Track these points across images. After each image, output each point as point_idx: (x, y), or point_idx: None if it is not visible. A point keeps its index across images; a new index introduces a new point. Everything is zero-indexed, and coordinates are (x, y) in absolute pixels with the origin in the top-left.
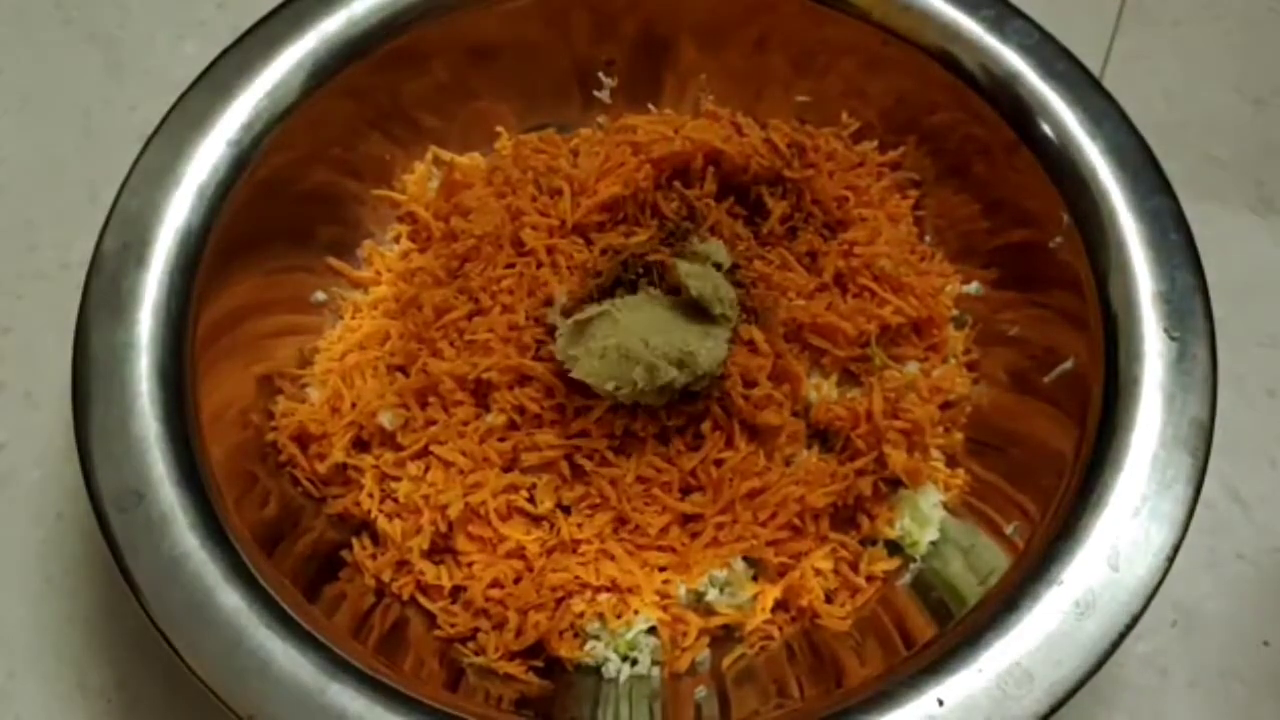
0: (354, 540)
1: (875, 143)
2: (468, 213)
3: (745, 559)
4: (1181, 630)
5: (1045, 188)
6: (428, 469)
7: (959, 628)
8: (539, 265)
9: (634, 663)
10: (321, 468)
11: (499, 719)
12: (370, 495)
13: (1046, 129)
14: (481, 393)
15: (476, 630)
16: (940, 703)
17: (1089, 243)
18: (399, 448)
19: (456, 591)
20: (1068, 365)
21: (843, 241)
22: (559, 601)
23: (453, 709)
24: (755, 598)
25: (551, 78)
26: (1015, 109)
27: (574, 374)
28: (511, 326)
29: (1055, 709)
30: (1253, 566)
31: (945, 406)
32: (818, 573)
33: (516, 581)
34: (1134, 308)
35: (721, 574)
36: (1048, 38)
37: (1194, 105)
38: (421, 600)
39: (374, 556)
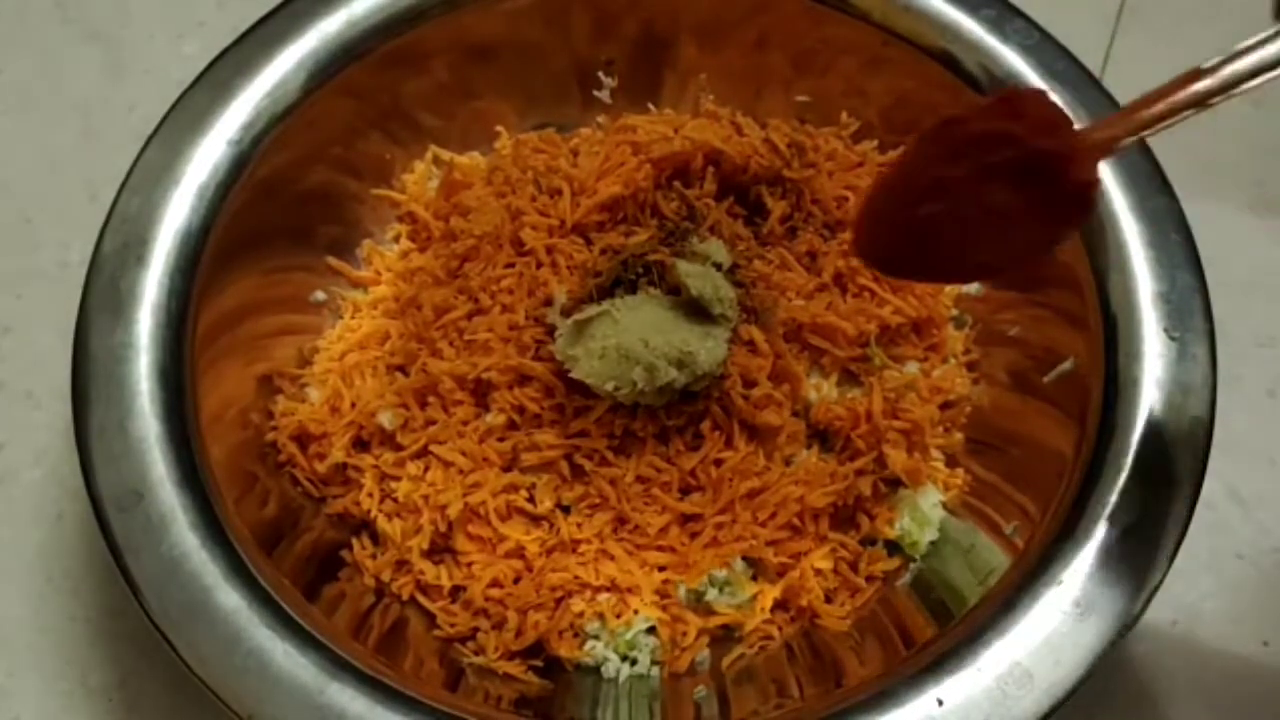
0: (354, 540)
1: (875, 143)
2: (468, 212)
3: (745, 559)
4: (1181, 630)
5: None
6: (427, 469)
7: (959, 628)
8: (539, 265)
9: (634, 662)
10: (321, 468)
11: (499, 719)
12: (370, 495)
13: None
14: (481, 393)
15: (476, 630)
16: (940, 703)
17: (1089, 243)
18: (399, 447)
19: (456, 591)
20: (1068, 365)
21: (842, 241)
22: (559, 601)
23: (453, 709)
24: (755, 598)
25: (551, 78)
26: None
27: (574, 374)
28: (511, 326)
29: (1055, 709)
30: (1253, 566)
31: (945, 406)
32: (817, 573)
33: (516, 581)
34: (1134, 308)
35: (721, 574)
36: (1048, 38)
37: None
38: (421, 600)
39: (374, 556)
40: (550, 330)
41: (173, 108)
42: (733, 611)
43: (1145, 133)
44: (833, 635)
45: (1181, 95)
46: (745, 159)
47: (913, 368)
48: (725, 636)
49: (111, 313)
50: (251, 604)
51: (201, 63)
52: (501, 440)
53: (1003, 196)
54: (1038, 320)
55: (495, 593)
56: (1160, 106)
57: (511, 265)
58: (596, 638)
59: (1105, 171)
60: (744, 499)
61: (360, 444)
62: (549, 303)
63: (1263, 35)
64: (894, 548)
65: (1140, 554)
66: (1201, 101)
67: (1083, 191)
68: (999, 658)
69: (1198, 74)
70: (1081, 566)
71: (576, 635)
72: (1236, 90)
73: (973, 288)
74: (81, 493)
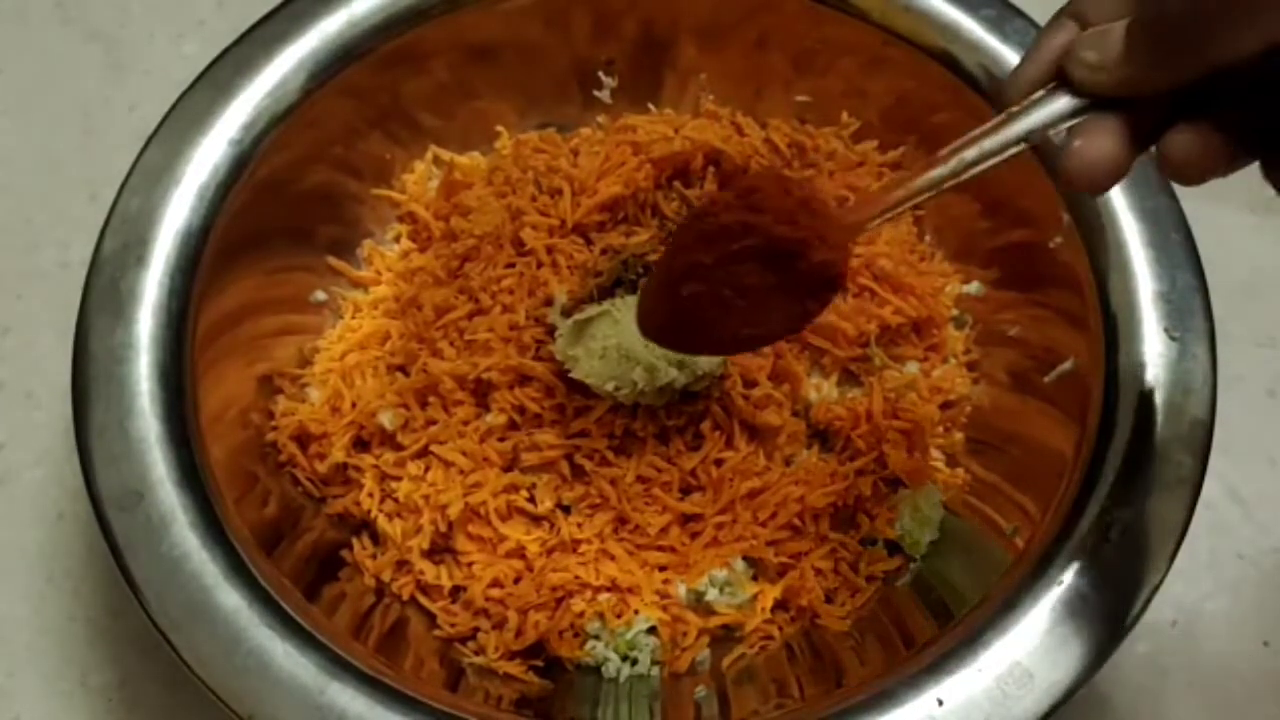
0: (354, 540)
1: (875, 143)
2: (468, 212)
3: (745, 559)
4: (1181, 630)
5: (1045, 188)
6: (428, 469)
7: (959, 628)
8: (539, 265)
9: (634, 662)
10: (321, 467)
11: (499, 719)
12: (370, 495)
13: None
14: (481, 393)
15: (476, 630)
16: (940, 703)
17: (1089, 243)
18: (399, 447)
19: (456, 591)
20: (1068, 365)
21: None
22: (559, 601)
23: (453, 709)
24: (755, 598)
25: (551, 78)
26: None
27: (574, 374)
28: (511, 326)
29: (1055, 709)
30: (1253, 566)
31: (945, 406)
32: (818, 572)
33: (516, 581)
34: (1134, 308)
35: (721, 574)
36: None
37: None
38: (421, 600)
39: (374, 556)
40: (550, 330)
41: (173, 108)
42: (733, 611)
43: (888, 215)
44: (833, 635)
45: (918, 182)
46: (745, 159)
47: (913, 368)
48: (725, 636)
49: (111, 313)
50: (251, 604)
51: (201, 63)
52: (502, 440)
53: (753, 278)
54: (1038, 320)
55: (496, 593)
56: (900, 192)
57: (512, 265)
58: (597, 638)
59: None
60: (744, 499)
61: (360, 444)
62: (549, 303)
63: (987, 126)
64: (894, 548)
65: (1140, 554)
66: (935, 187)
67: (826, 271)
68: (999, 658)
69: (934, 161)
70: (1081, 566)
71: (577, 635)
72: (964, 176)
73: (973, 287)
74: (81, 493)
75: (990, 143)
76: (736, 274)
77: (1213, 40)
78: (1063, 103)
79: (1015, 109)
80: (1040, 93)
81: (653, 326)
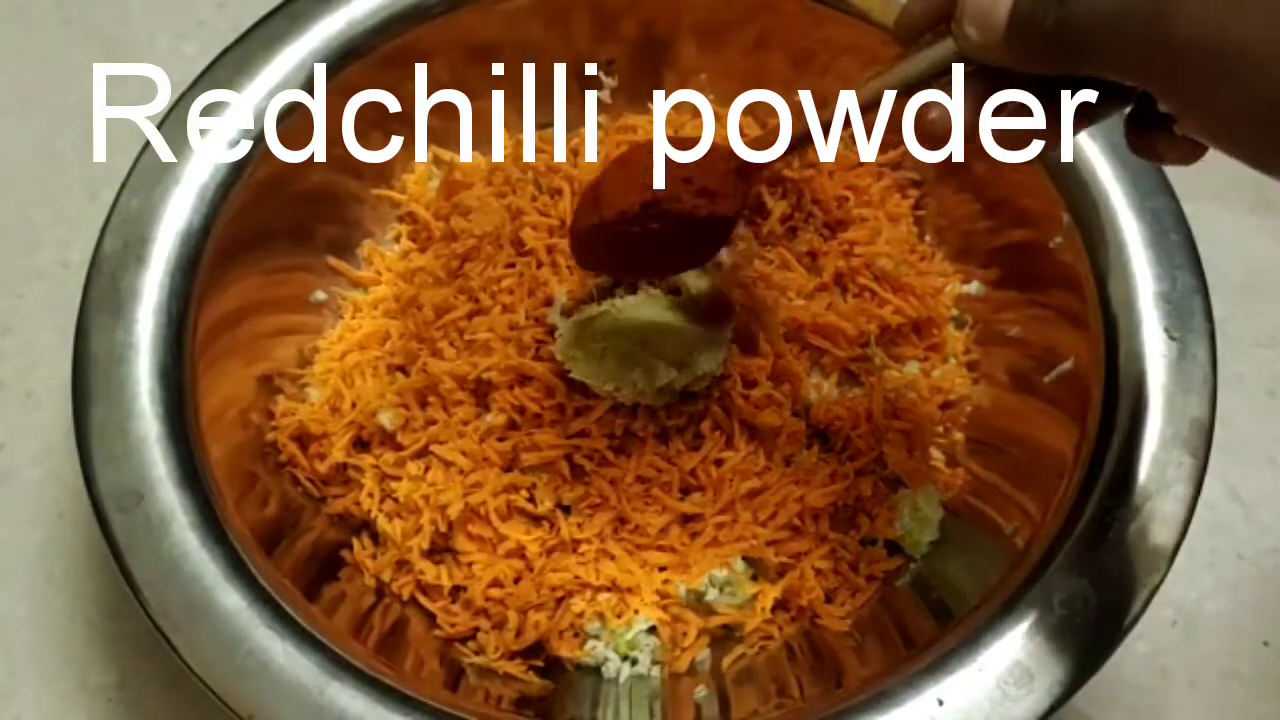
0: (354, 540)
1: None
2: (468, 212)
3: (745, 559)
4: (1181, 630)
5: (1045, 188)
6: (428, 469)
7: (959, 628)
8: (539, 265)
9: (634, 662)
10: (321, 467)
11: (499, 719)
12: (370, 495)
13: None
14: (481, 392)
15: (476, 630)
16: (940, 703)
17: (1089, 243)
18: (399, 447)
19: (456, 591)
20: (1068, 365)
21: (843, 241)
22: (559, 601)
23: (453, 709)
24: (755, 598)
25: (551, 78)
26: None
27: (574, 374)
28: (511, 326)
29: (1055, 709)
30: (1253, 566)
31: (945, 406)
32: (818, 573)
33: (516, 581)
34: (1134, 308)
35: (721, 574)
36: None
37: None
38: (421, 600)
39: (374, 556)
40: (550, 330)
41: (172, 107)
42: (733, 611)
43: (783, 156)
44: (833, 635)
45: (810, 125)
46: None
47: (913, 368)
48: (725, 636)
49: (111, 313)
50: (251, 604)
51: (201, 63)
52: (502, 440)
53: (653, 230)
54: (1038, 320)
55: (495, 593)
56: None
57: (512, 265)
58: (597, 638)
59: (1105, 170)
60: (744, 499)
61: (360, 444)
62: (549, 303)
63: (872, 72)
64: (894, 548)
65: (1140, 554)
66: (824, 130)
67: (713, 223)
68: (999, 658)
69: (822, 104)
70: (1081, 566)
71: (577, 635)
72: (850, 122)
73: (973, 287)
74: (81, 493)
75: (874, 86)
76: (631, 231)
77: (1071, 61)
78: (943, 49)
79: (903, 54)
80: (928, 36)
81: (583, 260)
